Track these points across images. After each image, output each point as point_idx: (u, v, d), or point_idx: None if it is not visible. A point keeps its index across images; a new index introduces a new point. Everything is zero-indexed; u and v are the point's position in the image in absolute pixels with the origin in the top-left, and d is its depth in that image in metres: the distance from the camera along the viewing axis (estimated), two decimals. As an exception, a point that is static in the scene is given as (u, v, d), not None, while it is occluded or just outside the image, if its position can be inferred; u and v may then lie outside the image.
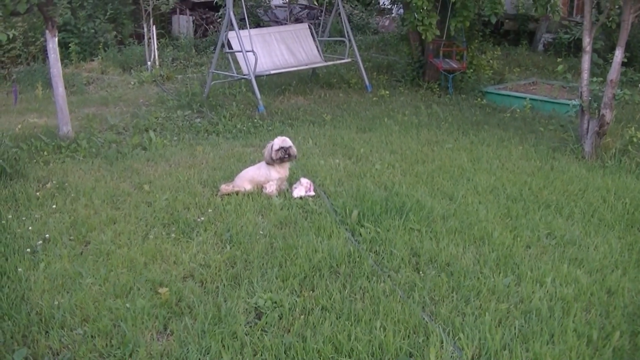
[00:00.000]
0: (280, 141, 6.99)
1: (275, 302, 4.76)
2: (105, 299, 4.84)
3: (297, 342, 4.24)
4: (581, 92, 8.60)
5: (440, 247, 5.70)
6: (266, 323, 4.51)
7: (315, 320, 4.52)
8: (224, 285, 5.05)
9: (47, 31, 8.96)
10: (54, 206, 6.67)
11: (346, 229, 6.04)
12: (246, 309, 4.70)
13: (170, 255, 5.56)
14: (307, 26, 13.47)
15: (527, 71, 15.26)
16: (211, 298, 4.85)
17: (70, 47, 15.91)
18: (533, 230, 6.10)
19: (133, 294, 4.90)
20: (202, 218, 6.29)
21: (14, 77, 14.39)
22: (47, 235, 5.92)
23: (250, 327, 4.48)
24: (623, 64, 8.49)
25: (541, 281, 5.14)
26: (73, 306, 4.72)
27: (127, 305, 4.70)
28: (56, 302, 4.77)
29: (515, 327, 4.46)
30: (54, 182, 7.37)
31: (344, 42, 13.34)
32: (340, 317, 4.57)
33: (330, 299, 4.80)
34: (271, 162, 7.01)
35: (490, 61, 14.26)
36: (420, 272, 5.27)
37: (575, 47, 16.68)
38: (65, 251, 5.62)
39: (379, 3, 21.24)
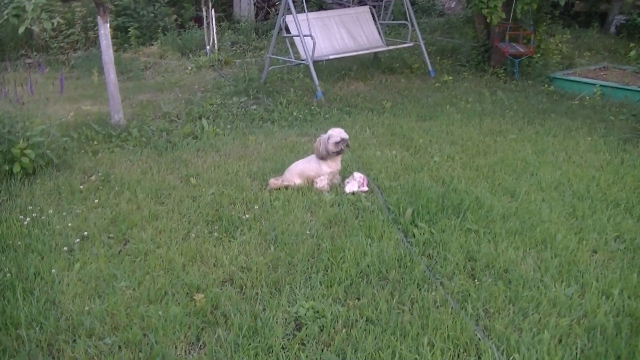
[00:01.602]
0: (339, 132, 6.64)
1: (317, 312, 4.44)
2: (139, 304, 4.58)
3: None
4: (656, 80, 8.09)
5: (498, 251, 5.31)
6: (305, 336, 4.20)
7: (358, 334, 4.19)
8: (264, 291, 4.75)
9: (98, 17, 8.74)
10: (97, 200, 6.45)
11: (398, 229, 5.69)
12: (285, 319, 4.39)
13: (210, 256, 5.28)
14: (368, 9, 13.06)
15: (598, 55, 14.61)
16: (249, 306, 4.55)
17: (129, 31, 15.79)
18: (600, 233, 5.67)
19: (167, 300, 4.63)
20: (247, 215, 5.99)
21: (72, 63, 14.31)
22: (85, 233, 5.69)
23: (288, 340, 4.17)
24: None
25: (607, 293, 4.72)
26: (104, 312, 4.48)
27: (160, 312, 4.43)
28: (87, 308, 4.53)
29: (577, 347, 4.06)
30: (99, 174, 7.16)
31: (407, 25, 12.91)
32: (385, 331, 4.23)
33: (376, 310, 4.46)
34: (326, 156, 6.67)
35: (559, 45, 13.66)
36: (476, 280, 4.90)
37: (650, 30, 16.03)
38: (103, 250, 5.38)
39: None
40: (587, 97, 10.67)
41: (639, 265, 5.12)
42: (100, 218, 6.04)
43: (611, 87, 10.96)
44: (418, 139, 8.31)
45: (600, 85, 10.92)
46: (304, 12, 11.37)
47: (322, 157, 6.69)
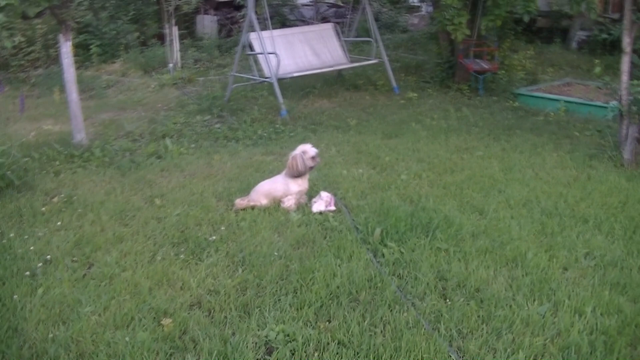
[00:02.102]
0: (310, 147, 6.60)
1: (288, 335, 4.34)
2: (105, 330, 4.45)
3: (309, 386, 3.84)
4: (620, 96, 8.10)
5: (469, 270, 5.25)
6: (276, 360, 4.11)
7: (330, 357, 4.11)
8: (233, 315, 4.64)
9: (60, 35, 8.61)
10: (59, 223, 6.30)
11: (368, 249, 5.61)
12: (256, 344, 4.29)
13: (177, 279, 5.16)
14: (332, 26, 13.04)
15: (561, 71, 14.71)
16: (218, 330, 4.44)
17: (91, 48, 15.62)
18: (570, 250, 5.63)
19: (134, 325, 4.50)
20: (214, 237, 5.88)
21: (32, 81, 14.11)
22: (48, 256, 5.54)
23: (259, 365, 4.08)
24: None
25: (580, 311, 4.67)
26: (69, 340, 4.34)
27: (127, 338, 4.31)
28: (51, 335, 4.39)
29: (553, 368, 4.01)
30: (62, 195, 7.02)
31: (371, 42, 12.89)
32: (358, 354, 4.14)
33: (347, 332, 4.38)
34: (303, 172, 6.59)
35: (523, 61, 13.73)
36: (447, 300, 4.83)
37: (611, 46, 16.13)
38: (67, 274, 5.24)
39: (407, 1, 20.74)
40: (552, 113, 10.71)
41: (610, 282, 5.09)
42: (64, 241, 5.89)
43: (575, 102, 11.01)
44: (384, 157, 8.26)
45: (565, 101, 10.96)
46: (268, 29, 11.32)
47: (300, 174, 6.60)
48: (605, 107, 10.28)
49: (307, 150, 6.61)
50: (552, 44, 17.30)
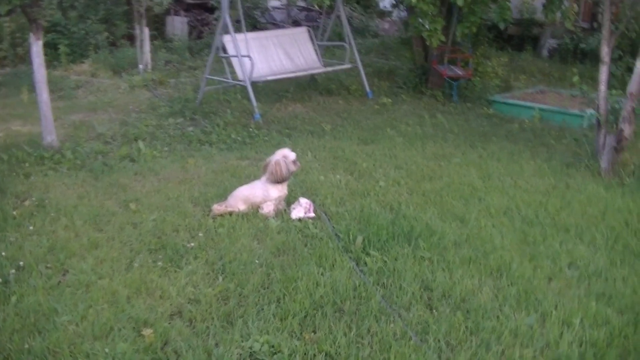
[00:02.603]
0: (288, 151, 6.53)
1: (273, 347, 4.23)
2: (83, 341, 4.30)
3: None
4: (598, 105, 8.09)
5: (454, 279, 5.18)
6: (262, 373, 4.00)
7: (318, 370, 4.01)
8: (216, 325, 4.52)
9: (31, 34, 8.41)
10: (32, 227, 6.11)
11: (350, 258, 5.51)
12: (240, 355, 4.17)
13: (156, 287, 5.02)
14: (306, 30, 12.94)
15: (533, 78, 14.73)
16: (201, 341, 4.32)
17: (59, 48, 15.36)
18: (554, 260, 5.59)
19: (113, 336, 4.36)
20: (192, 244, 5.74)
21: None
22: (21, 263, 5.36)
23: (244, 378, 3.97)
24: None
25: (568, 322, 4.62)
26: (45, 350, 4.18)
27: (107, 349, 4.16)
28: (26, 346, 4.22)
29: (544, 381, 3.94)
30: (33, 198, 6.83)
31: (343, 46, 12.79)
32: (346, 367, 4.05)
33: (334, 344, 4.28)
34: (287, 178, 6.52)
35: (496, 68, 13.71)
36: (434, 310, 4.75)
37: (582, 54, 16.22)
38: (41, 282, 5.07)
39: (378, 6, 20.68)
40: (527, 121, 10.70)
41: (596, 293, 5.06)
42: (37, 246, 5.72)
43: (550, 110, 11.01)
44: (362, 163, 8.18)
45: (540, 109, 10.95)
46: (242, 32, 11.19)
47: (284, 179, 6.51)
48: (580, 116, 10.32)
49: (287, 154, 6.51)
50: (523, 51, 17.36)
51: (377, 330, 4.45)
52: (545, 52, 17.89)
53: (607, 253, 5.80)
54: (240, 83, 11.07)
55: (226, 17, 10.83)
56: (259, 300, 4.86)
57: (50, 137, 8.67)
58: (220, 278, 5.19)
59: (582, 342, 4.40)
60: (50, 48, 15.25)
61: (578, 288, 5.15)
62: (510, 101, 11.75)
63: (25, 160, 8.12)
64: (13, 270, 5.23)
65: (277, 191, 6.53)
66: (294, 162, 6.51)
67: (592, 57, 15.49)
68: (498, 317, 4.67)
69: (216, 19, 17.68)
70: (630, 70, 11.89)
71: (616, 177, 7.83)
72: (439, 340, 4.36)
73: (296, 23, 20.04)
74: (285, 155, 6.49)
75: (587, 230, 6.26)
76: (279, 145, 8.80)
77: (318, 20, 20.36)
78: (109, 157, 8.51)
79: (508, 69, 14.80)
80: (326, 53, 14.34)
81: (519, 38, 18.26)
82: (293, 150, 7.21)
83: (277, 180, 6.49)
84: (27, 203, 6.72)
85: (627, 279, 5.34)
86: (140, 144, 8.87)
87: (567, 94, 12.28)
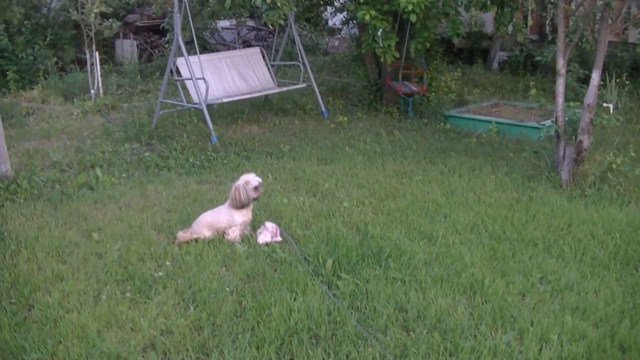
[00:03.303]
0: (253, 177, 6.42)
1: (251, 378, 4.15)
2: (54, 380, 4.19)
3: None
4: (556, 117, 8.14)
5: (427, 299, 5.14)
6: (242, 406, 3.90)
7: (299, 401, 3.93)
8: (191, 357, 4.42)
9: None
10: (-8, 262, 5.97)
11: (321, 282, 5.45)
12: (218, 388, 4.08)
13: (126, 320, 4.90)
14: (259, 50, 12.87)
15: (486, 91, 14.81)
16: (176, 375, 4.22)
17: (8, 75, 15.09)
18: (525, 275, 5.59)
19: (86, 373, 4.25)
20: (160, 273, 5.63)
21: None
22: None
23: (225, 412, 3.87)
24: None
25: (545, 338, 4.62)
26: (15, 392, 4.06)
27: (79, 388, 4.05)
28: (-5, 387, 4.10)
29: (529, 402, 3.91)
30: (-9, 231, 6.67)
31: (295, 65, 12.71)
32: (327, 396, 3.98)
33: (313, 372, 4.21)
34: (247, 203, 6.40)
35: (449, 82, 13.76)
36: (411, 332, 4.71)
37: (532, 66, 16.37)
38: (6, 318, 4.94)
39: (327, 23, 20.69)
40: (484, 135, 10.72)
41: (570, 307, 5.06)
42: (-1, 281, 5.58)
43: (506, 123, 11.06)
44: (323, 184, 8.11)
45: (496, 122, 10.99)
46: (195, 54, 11.09)
47: (243, 205, 6.41)
48: (537, 128, 10.37)
49: (249, 180, 6.43)
50: (474, 64, 17.47)
51: (355, 356, 4.40)
52: (495, 65, 18.03)
53: (577, 266, 5.81)
54: (195, 106, 10.95)
55: (179, 39, 10.73)
56: (233, 329, 4.77)
57: (4, 167, 8.47)
58: (192, 307, 5.08)
59: (561, 358, 4.39)
60: (-1, 74, 15.03)
61: (552, 303, 5.15)
62: (466, 115, 11.79)
63: (-20, 192, 7.92)
64: (-24, 308, 5.08)
65: (242, 216, 6.44)
66: (255, 188, 6.41)
67: (542, 69, 15.66)
68: (475, 336, 4.65)
69: (167, 42, 17.52)
70: (580, 80, 12.08)
71: (577, 188, 7.88)
72: (418, 363, 4.32)
73: (246, 43, 19.97)
74: (247, 181, 6.41)
75: (554, 243, 6.27)
76: (237, 168, 8.77)
77: (268, 39, 20.34)
78: (67, 185, 8.33)
79: (461, 82, 14.86)
80: (278, 72, 14.28)
81: (469, 51, 18.38)
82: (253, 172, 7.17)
83: (237, 206, 6.40)
84: (-16, 237, 6.55)
85: (598, 291, 5.36)
86: (98, 171, 8.70)
87: (522, 106, 12.37)
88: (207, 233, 6.40)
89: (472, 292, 5.28)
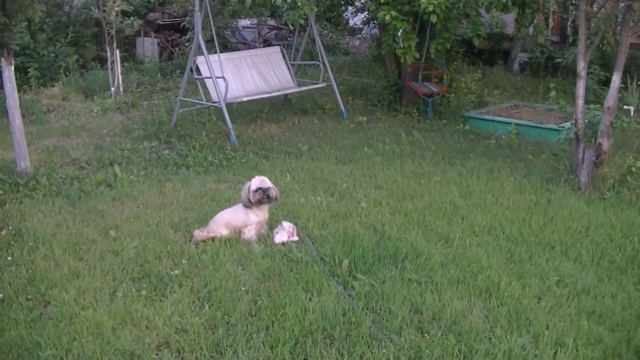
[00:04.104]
0: (259, 181, 6.37)
1: (264, 377, 4.16)
2: (68, 376, 4.20)
3: None
4: (576, 120, 8.10)
5: (443, 301, 5.13)
6: (256, 406, 3.90)
7: (312, 401, 3.92)
8: (205, 355, 4.43)
9: (2, 59, 8.29)
10: (10, 258, 6.00)
11: (337, 282, 5.44)
12: (231, 387, 4.09)
13: (141, 318, 4.92)
14: (279, 49, 12.87)
15: (506, 93, 14.73)
16: (190, 373, 4.23)
17: (29, 72, 15.16)
18: (542, 278, 5.56)
19: (100, 370, 4.26)
20: (176, 271, 5.64)
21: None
22: (0, 295, 5.25)
23: (238, 411, 3.87)
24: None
25: (561, 342, 4.59)
26: (30, 387, 4.08)
27: (94, 385, 4.07)
28: (10, 383, 4.12)
29: (543, 406, 3.89)
30: (10, 227, 6.70)
31: (315, 65, 12.68)
32: (340, 397, 3.97)
33: (327, 372, 4.20)
34: (249, 205, 6.40)
35: (469, 84, 13.70)
36: (425, 334, 4.69)
37: (553, 67, 16.29)
38: (22, 315, 4.97)
39: (348, 23, 20.66)
40: (503, 136, 10.68)
41: (586, 311, 5.03)
42: (16, 277, 5.60)
43: (526, 125, 11.01)
44: (341, 184, 8.11)
45: (516, 124, 10.95)
46: (215, 52, 11.11)
47: (246, 206, 6.42)
48: (556, 130, 10.32)
49: (252, 182, 6.40)
50: (494, 66, 17.39)
51: (369, 357, 4.39)
52: (516, 66, 17.94)
53: (594, 270, 5.78)
54: (215, 105, 10.97)
55: (200, 38, 10.75)
56: (247, 328, 4.78)
57: (24, 163, 8.52)
58: (207, 306, 5.10)
59: (577, 363, 4.37)
60: (20, 72, 15.04)
61: (568, 307, 5.12)
62: (486, 117, 11.75)
63: (-1, 188, 7.97)
64: (-7, 303, 5.11)
65: (255, 216, 6.43)
66: (254, 191, 6.37)
67: (563, 71, 15.57)
68: (490, 339, 4.63)
69: (188, 40, 17.55)
70: (601, 82, 12.02)
71: (596, 191, 7.83)
72: (433, 366, 4.31)
73: (267, 42, 19.97)
74: (252, 183, 6.39)
75: (572, 246, 6.24)
76: (256, 168, 8.78)
77: (288, 39, 20.32)
78: (85, 182, 8.38)
79: (481, 84, 14.82)
80: (298, 72, 14.29)
81: (489, 52, 18.29)
82: (271, 171, 7.22)
83: (245, 206, 6.41)
84: (3, 232, 6.58)
85: (615, 295, 5.32)
86: (116, 168, 8.75)
87: (542, 108, 12.31)
88: (224, 232, 6.41)
89: (488, 295, 5.26)
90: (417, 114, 12.43)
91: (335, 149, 9.99)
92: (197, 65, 11.20)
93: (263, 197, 6.36)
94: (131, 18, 14.24)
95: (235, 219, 6.46)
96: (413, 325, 4.82)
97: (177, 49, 18.97)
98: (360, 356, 4.41)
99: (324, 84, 12.53)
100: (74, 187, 8.14)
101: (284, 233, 6.39)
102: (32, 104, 13.29)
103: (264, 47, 17.26)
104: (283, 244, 6.28)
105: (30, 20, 14.33)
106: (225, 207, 6.89)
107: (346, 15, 17.75)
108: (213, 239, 6.34)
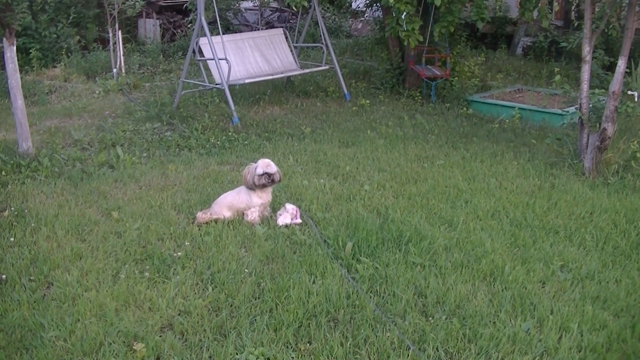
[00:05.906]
0: (265, 165, 6.32)
1: (269, 359, 4.15)
2: (72, 357, 4.20)
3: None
4: (580, 104, 8.06)
5: (447, 285, 5.11)
6: (260, 388, 3.89)
7: (316, 384, 3.91)
8: (208, 337, 4.42)
9: (4, 39, 8.24)
10: (12, 239, 5.98)
11: (341, 265, 5.42)
12: (235, 369, 4.07)
13: (144, 299, 4.91)
14: (282, 31, 12.81)
15: (509, 77, 14.65)
16: (194, 355, 4.23)
17: (31, 52, 15.10)
18: (546, 263, 5.54)
19: (104, 351, 4.25)
20: (179, 253, 5.63)
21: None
22: (3, 276, 5.23)
23: (242, 393, 3.86)
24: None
25: (565, 327, 4.58)
26: (33, 368, 4.07)
27: (97, 366, 4.05)
28: (13, 363, 4.11)
29: (547, 390, 3.88)
30: (12, 208, 6.67)
31: (318, 47, 12.63)
32: (345, 379, 3.96)
33: (331, 355, 4.21)
34: (252, 187, 6.37)
35: (472, 67, 13.64)
36: (429, 317, 4.68)
37: (556, 52, 16.23)
38: (25, 296, 4.95)
39: (351, 6, 20.57)
40: (507, 120, 10.64)
41: (590, 297, 5.02)
42: (18, 258, 5.59)
43: (530, 109, 10.97)
44: (344, 166, 8.08)
45: (519, 108, 10.90)
46: (218, 34, 11.05)
47: (250, 187, 6.39)
48: (560, 115, 10.28)
49: (258, 165, 6.35)
50: (497, 50, 17.32)
51: (373, 340, 4.38)
52: (519, 50, 17.88)
53: (598, 255, 5.76)
54: (218, 86, 10.93)
55: (202, 19, 10.69)
56: (251, 310, 4.77)
57: (26, 144, 8.49)
58: (210, 288, 5.08)
59: (581, 348, 4.36)
60: (22, 52, 14.97)
61: (572, 291, 5.10)
62: (489, 101, 11.69)
63: (1, 169, 7.92)
64: (-5, 284, 5.10)
65: (258, 198, 6.41)
66: (259, 175, 6.31)
67: (567, 55, 15.51)
68: (494, 323, 4.62)
69: (190, 22, 17.48)
70: (606, 67, 11.96)
71: (600, 176, 7.80)
72: (437, 349, 4.30)
73: (269, 24, 19.90)
74: (257, 166, 6.34)
75: (576, 231, 6.22)
76: (258, 150, 8.76)
77: (291, 21, 20.24)
78: (87, 164, 8.34)
79: (484, 67, 14.75)
80: (301, 54, 14.24)
81: (493, 36, 18.23)
82: (274, 154, 7.17)
83: (247, 187, 6.39)
84: (5, 213, 6.56)
85: (619, 280, 5.31)
86: (119, 150, 8.71)
87: (545, 93, 12.25)
88: (227, 214, 6.39)
89: (492, 279, 5.25)
90: (420, 97, 12.39)
91: (338, 132, 9.95)
92: (199, 47, 11.15)
93: (268, 181, 6.34)
94: (133, -1, 14.17)
95: (239, 201, 6.43)
96: (417, 309, 4.81)
97: (179, 30, 18.90)
98: (365, 339, 4.40)
99: (326, 67, 12.47)
100: (76, 168, 8.11)
101: (287, 215, 6.37)
102: (33, 84, 13.26)
103: (266, 29, 17.20)
104: (286, 226, 6.26)
105: (31, 1, 14.28)
106: (228, 189, 6.87)
107: (349, -3, 17.68)
108: (216, 220, 6.32)
